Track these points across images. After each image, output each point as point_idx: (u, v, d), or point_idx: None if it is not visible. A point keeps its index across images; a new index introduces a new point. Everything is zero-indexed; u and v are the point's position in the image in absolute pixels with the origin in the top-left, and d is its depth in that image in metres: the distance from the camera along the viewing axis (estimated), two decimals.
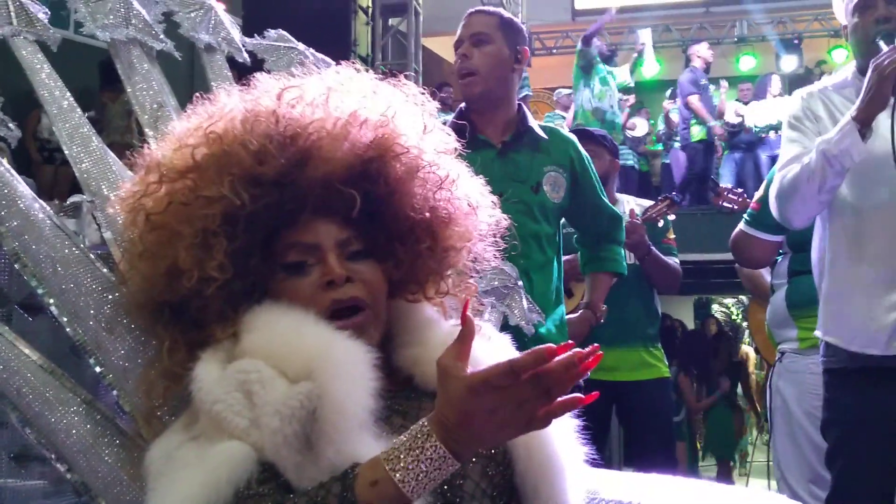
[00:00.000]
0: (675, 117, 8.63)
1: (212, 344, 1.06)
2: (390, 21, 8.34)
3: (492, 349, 1.12)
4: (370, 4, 7.98)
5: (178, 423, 1.04)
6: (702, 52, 8.36)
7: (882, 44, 1.96)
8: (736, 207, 3.04)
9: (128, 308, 1.17)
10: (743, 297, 10.26)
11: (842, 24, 2.23)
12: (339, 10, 6.70)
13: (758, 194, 2.66)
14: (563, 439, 1.09)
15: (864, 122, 1.91)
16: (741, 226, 2.66)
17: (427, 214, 1.15)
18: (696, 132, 8.23)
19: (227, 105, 1.14)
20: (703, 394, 7.16)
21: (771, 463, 2.70)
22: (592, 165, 2.50)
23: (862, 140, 1.91)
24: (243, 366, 1.00)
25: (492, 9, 2.53)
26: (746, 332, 9.37)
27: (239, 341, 1.04)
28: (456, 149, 1.21)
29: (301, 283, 1.09)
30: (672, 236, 3.29)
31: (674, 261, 3.24)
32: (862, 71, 2.09)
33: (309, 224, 1.11)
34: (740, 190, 3.15)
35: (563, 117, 7.94)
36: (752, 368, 8.33)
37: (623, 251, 2.66)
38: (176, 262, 1.05)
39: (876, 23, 2.02)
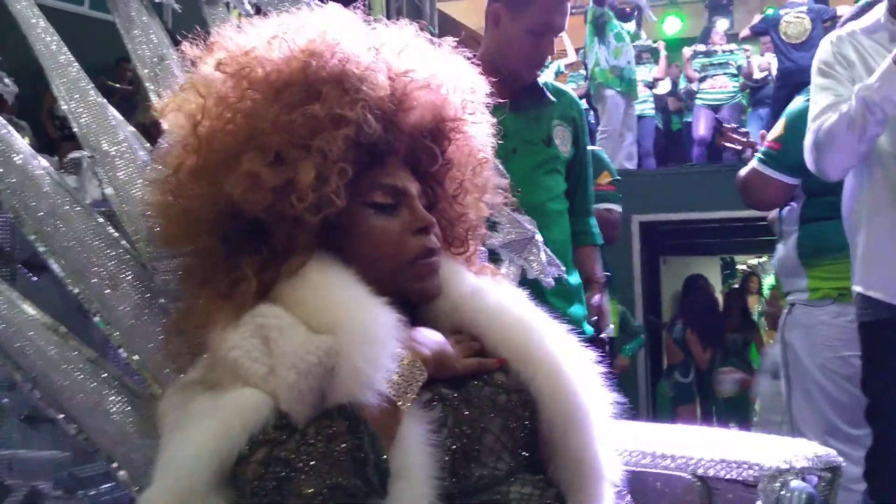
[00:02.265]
0: (693, 74, 8.44)
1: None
2: None
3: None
4: None
5: (193, 372, 1.00)
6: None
7: None
8: (740, 147, 2.94)
9: (176, 228, 1.07)
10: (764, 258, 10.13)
11: None
12: None
13: (776, 132, 2.55)
14: (590, 388, 1.07)
15: None
16: (754, 164, 2.55)
17: (474, 176, 1.18)
18: None
19: (309, 26, 1.08)
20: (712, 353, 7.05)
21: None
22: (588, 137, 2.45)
23: None
24: (262, 310, 0.97)
25: None
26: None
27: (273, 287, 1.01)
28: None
29: (390, 223, 1.07)
30: (607, 181, 3.16)
31: (609, 207, 3.13)
32: (893, 12, 2.01)
33: (395, 169, 1.09)
34: (745, 130, 3.03)
35: (584, 76, 7.83)
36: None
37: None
38: (295, 177, 0.99)
39: None
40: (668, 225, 7.33)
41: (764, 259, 10.17)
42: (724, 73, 8.14)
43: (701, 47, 8.34)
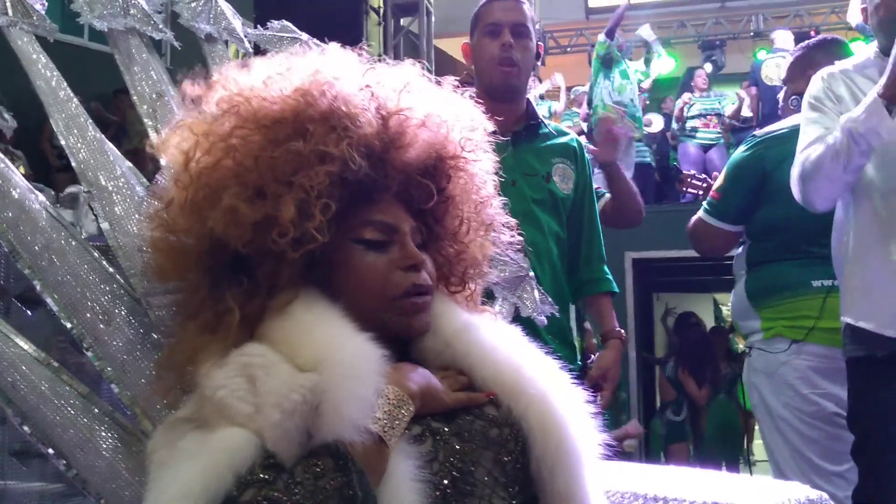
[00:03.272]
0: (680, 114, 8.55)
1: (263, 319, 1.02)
2: (402, 21, 8.33)
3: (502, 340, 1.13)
4: (381, 4, 7.98)
5: (183, 410, 1.00)
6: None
7: None
8: (700, 193, 2.98)
9: (166, 262, 1.08)
10: None
11: (861, 5, 2.18)
12: (350, 10, 6.70)
13: (717, 183, 2.62)
14: (581, 424, 1.07)
15: (891, 99, 1.87)
16: (700, 214, 2.62)
17: (475, 214, 1.19)
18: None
19: (305, 66, 1.10)
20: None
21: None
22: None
23: (889, 116, 1.86)
24: (248, 349, 0.97)
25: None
26: None
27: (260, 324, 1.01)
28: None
29: (378, 260, 1.07)
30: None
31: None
32: (884, 51, 2.05)
33: (388, 206, 1.10)
34: (703, 176, 3.09)
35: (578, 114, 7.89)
36: None
37: None
38: (276, 212, 1.00)
39: None
40: (660, 262, 7.36)
41: None
42: (716, 115, 8.25)
43: (696, 94, 8.45)
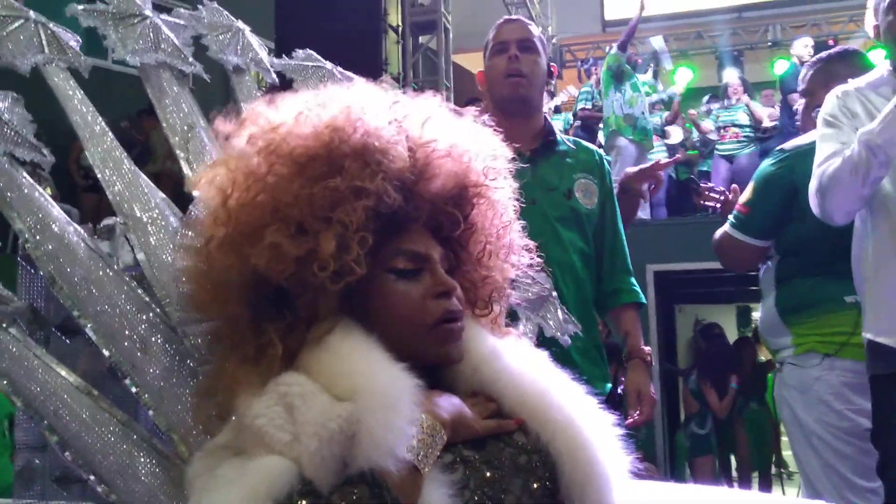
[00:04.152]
0: (707, 125, 8.54)
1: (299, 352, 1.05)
2: (420, 39, 8.39)
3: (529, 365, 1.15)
4: (400, 23, 8.05)
5: (221, 437, 1.03)
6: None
7: None
8: (718, 206, 2.97)
9: (206, 296, 1.10)
10: None
11: (874, 24, 2.20)
12: (369, 30, 6.77)
13: (744, 196, 2.60)
14: (608, 449, 1.09)
15: None
16: (726, 228, 2.60)
17: (499, 239, 1.22)
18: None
19: (334, 102, 1.13)
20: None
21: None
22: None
23: None
24: (286, 379, 1.00)
25: (527, 20, 2.53)
26: None
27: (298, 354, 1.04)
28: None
29: (411, 288, 1.10)
30: None
31: None
32: None
33: (417, 235, 1.13)
34: (721, 189, 3.07)
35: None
36: None
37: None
38: (317, 247, 1.03)
39: None
40: (682, 274, 7.35)
41: None
42: (734, 125, 8.23)
43: (714, 104, 8.43)
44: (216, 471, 0.99)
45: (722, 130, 8.22)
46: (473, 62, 9.70)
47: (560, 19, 10.48)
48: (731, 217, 2.62)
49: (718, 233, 2.65)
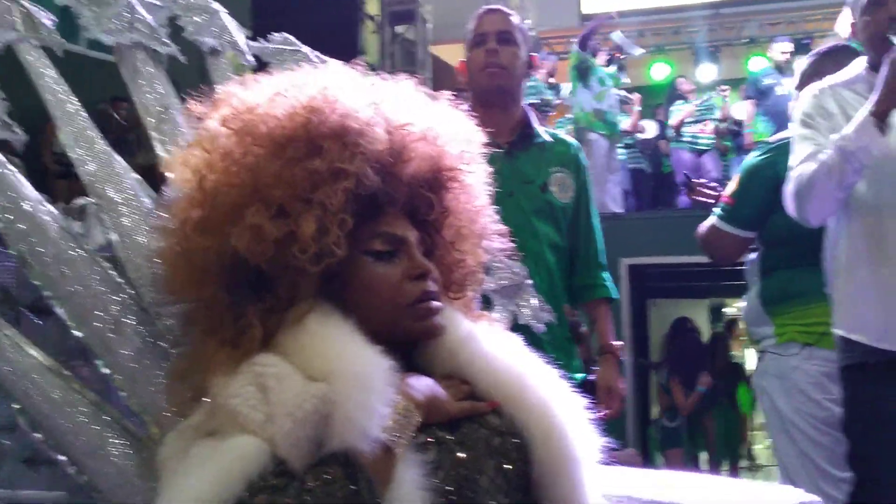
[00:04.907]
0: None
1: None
2: (398, 29, 8.37)
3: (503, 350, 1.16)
4: (378, 12, 8.02)
5: (194, 418, 1.03)
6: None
7: (895, 40, 1.95)
8: (711, 202, 3.01)
9: (182, 277, 1.10)
10: None
11: (851, 21, 2.22)
12: (346, 19, 6.73)
13: (730, 188, 2.63)
14: (581, 433, 1.10)
15: (881, 117, 1.91)
16: (712, 220, 2.62)
17: (472, 223, 1.22)
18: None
19: (310, 83, 1.12)
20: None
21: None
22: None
23: (880, 134, 1.90)
24: (261, 359, 1.00)
25: (509, 10, 2.53)
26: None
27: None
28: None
29: (388, 270, 1.10)
30: None
31: None
32: (873, 66, 2.08)
33: (394, 218, 1.13)
34: (714, 184, 3.10)
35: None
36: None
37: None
38: (297, 229, 1.03)
39: (889, 20, 2.02)
40: (656, 268, 7.40)
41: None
42: (711, 119, 8.30)
43: (691, 101, 8.52)
44: (189, 451, 0.99)
45: (700, 124, 8.29)
46: (452, 53, 9.70)
47: (538, 13, 10.46)
48: (716, 209, 2.64)
49: (704, 225, 2.67)
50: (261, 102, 1.12)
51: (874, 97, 1.94)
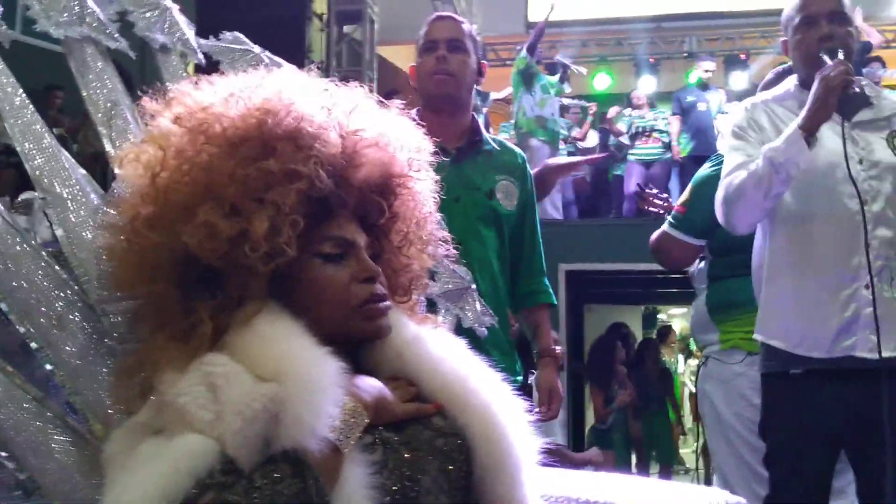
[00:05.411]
0: (621, 128, 8.83)
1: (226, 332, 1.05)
2: (345, 28, 8.35)
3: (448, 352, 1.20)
4: (325, 11, 7.99)
5: (140, 415, 1.03)
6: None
7: (826, 58, 2.05)
8: (661, 212, 3.11)
9: (131, 274, 1.10)
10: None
11: (783, 39, 2.32)
12: (293, 17, 6.71)
13: (682, 198, 2.75)
14: (521, 435, 1.14)
15: (810, 131, 2.00)
16: (665, 227, 2.73)
17: (419, 229, 1.25)
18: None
19: (265, 85, 1.13)
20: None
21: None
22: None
23: (808, 147, 1.99)
24: (209, 359, 1.01)
25: (460, 17, 2.57)
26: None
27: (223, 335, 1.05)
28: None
29: (337, 272, 1.12)
30: None
31: None
32: (804, 84, 2.18)
33: (344, 221, 1.15)
34: (665, 195, 3.22)
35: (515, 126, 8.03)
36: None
37: None
38: (249, 228, 1.04)
39: (819, 40, 2.11)
40: (592, 274, 7.54)
41: (685, 311, 10.50)
42: (655, 131, 8.51)
43: (628, 110, 8.72)
44: (136, 448, 0.99)
45: (641, 136, 8.48)
46: (397, 54, 9.71)
47: (484, 19, 10.56)
48: (669, 217, 2.74)
49: (657, 233, 2.76)
50: (215, 102, 1.13)
51: (804, 113, 2.03)
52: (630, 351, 7.49)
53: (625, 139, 8.67)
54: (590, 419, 7.51)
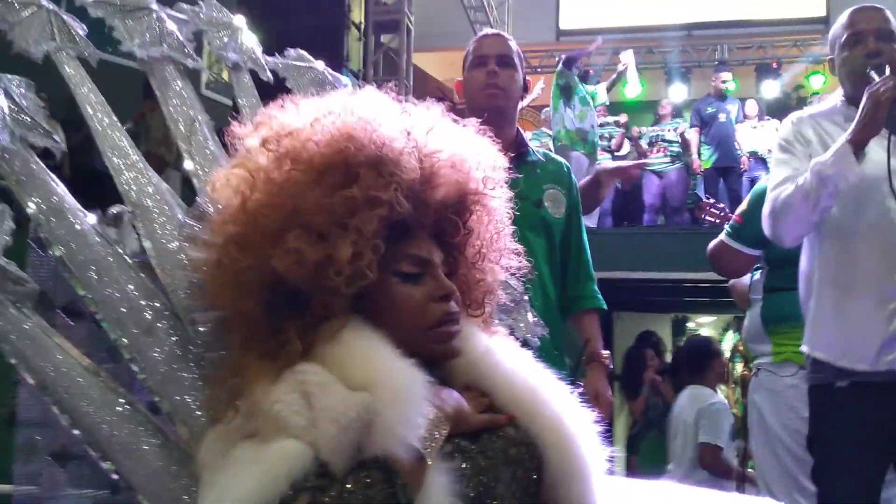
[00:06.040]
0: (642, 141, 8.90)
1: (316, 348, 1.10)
2: (382, 38, 8.43)
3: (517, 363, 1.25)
4: (363, 20, 8.08)
5: (234, 423, 1.09)
6: None
7: (874, 74, 2.08)
8: (717, 221, 3.16)
9: (220, 291, 1.15)
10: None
11: (829, 57, 2.34)
12: (332, 26, 6.80)
13: (741, 208, 2.79)
14: (591, 445, 1.19)
15: (858, 145, 2.03)
16: (722, 236, 2.78)
17: (493, 244, 1.29)
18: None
19: (347, 109, 1.18)
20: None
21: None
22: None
23: (856, 162, 2.02)
24: (303, 368, 1.07)
25: (508, 34, 2.63)
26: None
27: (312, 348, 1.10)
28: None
29: (414, 291, 1.17)
30: None
31: None
32: (850, 100, 2.21)
33: (422, 240, 1.20)
34: (722, 205, 3.27)
35: (549, 135, 8.06)
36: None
37: None
38: (334, 253, 1.09)
39: (866, 57, 2.14)
40: (622, 282, 7.55)
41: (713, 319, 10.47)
42: (664, 141, 8.53)
43: (645, 128, 8.79)
44: (230, 453, 1.05)
45: (651, 146, 8.52)
46: (429, 62, 9.79)
47: (516, 27, 10.62)
48: (727, 227, 2.79)
49: (714, 242, 2.81)
50: (300, 127, 1.18)
51: (853, 127, 2.06)
52: (663, 359, 7.47)
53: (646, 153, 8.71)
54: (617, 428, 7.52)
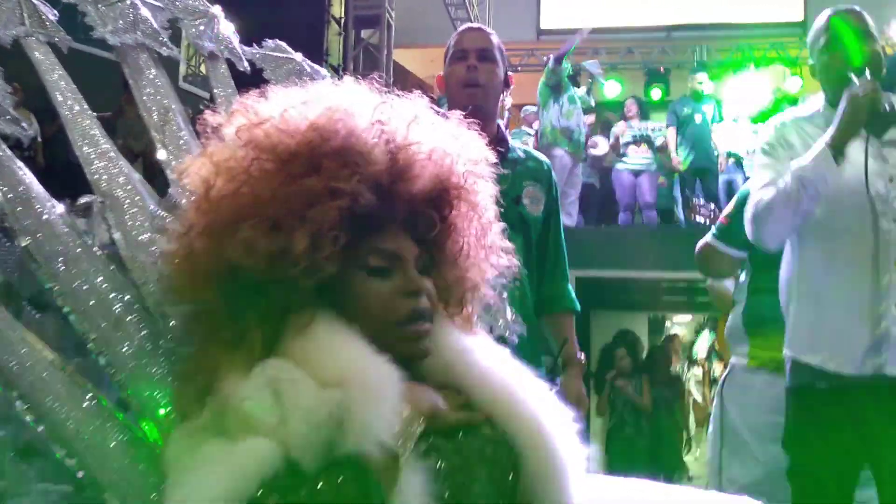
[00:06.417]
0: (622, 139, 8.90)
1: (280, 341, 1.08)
2: (362, 33, 8.38)
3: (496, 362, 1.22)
4: (343, 15, 8.03)
5: (201, 419, 1.06)
6: None
7: (854, 77, 2.08)
8: (707, 222, 3.18)
9: (185, 282, 1.13)
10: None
11: (809, 62, 2.35)
12: (312, 21, 6.75)
13: (727, 209, 2.79)
14: (568, 444, 1.17)
15: (838, 148, 2.03)
16: (708, 237, 2.77)
17: (478, 240, 1.26)
18: None
19: (320, 99, 1.16)
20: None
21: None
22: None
23: (836, 164, 2.02)
24: (273, 364, 1.04)
25: (489, 28, 2.61)
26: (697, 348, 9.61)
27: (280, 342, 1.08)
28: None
29: (382, 286, 1.14)
30: None
31: None
32: (832, 103, 2.21)
33: (393, 234, 1.17)
34: (712, 206, 3.29)
35: (530, 134, 8.07)
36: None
37: None
38: (290, 244, 1.07)
39: (846, 60, 2.15)
40: (599, 281, 7.57)
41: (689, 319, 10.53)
42: (645, 142, 8.55)
43: (632, 123, 8.80)
44: (198, 450, 1.02)
45: (632, 144, 8.52)
46: (409, 58, 9.76)
47: (496, 25, 10.59)
48: (713, 228, 2.78)
49: (701, 242, 2.81)
50: (272, 116, 1.15)
51: (831, 130, 2.06)
52: (638, 358, 7.51)
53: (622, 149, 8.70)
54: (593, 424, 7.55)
